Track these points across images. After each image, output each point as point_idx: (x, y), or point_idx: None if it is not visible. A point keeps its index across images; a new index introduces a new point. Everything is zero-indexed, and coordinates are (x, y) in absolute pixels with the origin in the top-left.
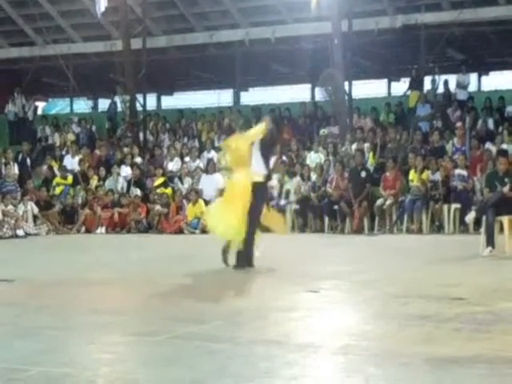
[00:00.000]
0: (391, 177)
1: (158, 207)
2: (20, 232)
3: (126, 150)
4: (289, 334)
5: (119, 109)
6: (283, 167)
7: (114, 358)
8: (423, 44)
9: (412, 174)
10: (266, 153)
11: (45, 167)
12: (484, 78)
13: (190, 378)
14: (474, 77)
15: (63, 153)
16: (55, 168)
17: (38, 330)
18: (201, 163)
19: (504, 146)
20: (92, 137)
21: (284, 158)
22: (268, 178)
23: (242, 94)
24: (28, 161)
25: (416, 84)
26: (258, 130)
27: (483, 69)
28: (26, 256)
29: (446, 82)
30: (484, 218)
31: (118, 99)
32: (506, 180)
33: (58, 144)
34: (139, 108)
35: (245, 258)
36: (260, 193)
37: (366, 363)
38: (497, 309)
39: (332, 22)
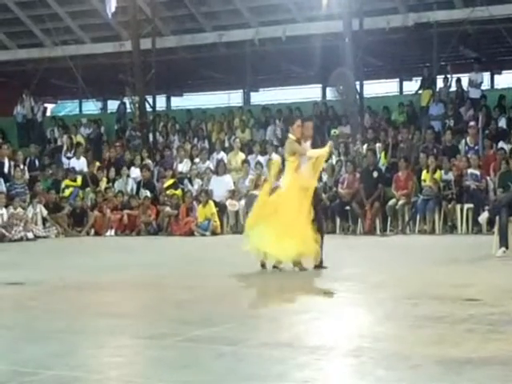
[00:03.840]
0: (403, 177)
1: (167, 209)
2: (29, 235)
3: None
4: (301, 337)
5: (128, 110)
6: None
7: (123, 362)
8: (435, 42)
9: (424, 174)
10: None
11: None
12: (497, 77)
13: (200, 381)
14: (486, 75)
15: (72, 154)
16: None
17: (48, 334)
18: (210, 164)
19: None
20: (101, 138)
21: None
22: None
23: (252, 94)
24: (37, 163)
25: (428, 83)
26: (322, 153)
27: (496, 67)
28: (35, 259)
29: (458, 81)
30: (497, 218)
31: (127, 100)
32: None
33: (66, 146)
34: (149, 109)
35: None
36: (317, 197)
37: (378, 365)
38: (511, 310)
39: (343, 21)
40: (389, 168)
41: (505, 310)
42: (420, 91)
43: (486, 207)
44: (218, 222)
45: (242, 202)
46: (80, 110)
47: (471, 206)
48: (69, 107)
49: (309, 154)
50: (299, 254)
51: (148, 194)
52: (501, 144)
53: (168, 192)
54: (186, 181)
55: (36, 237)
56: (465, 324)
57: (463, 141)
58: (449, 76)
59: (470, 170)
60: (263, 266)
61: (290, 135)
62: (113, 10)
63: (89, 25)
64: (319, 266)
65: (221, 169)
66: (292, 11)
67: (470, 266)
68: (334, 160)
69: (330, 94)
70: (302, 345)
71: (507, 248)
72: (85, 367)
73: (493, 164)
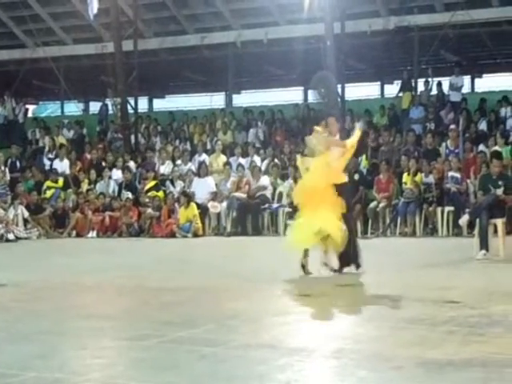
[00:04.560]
0: (384, 179)
1: (149, 211)
2: (10, 236)
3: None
4: (282, 338)
5: (110, 111)
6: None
7: (105, 363)
8: (416, 46)
9: (405, 177)
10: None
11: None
12: (477, 80)
13: (181, 383)
14: (467, 79)
15: (54, 156)
16: None
17: (30, 335)
18: (192, 166)
19: (497, 149)
20: (83, 140)
21: (276, 160)
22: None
23: (234, 96)
24: (18, 164)
25: (408, 86)
26: (355, 139)
27: (477, 71)
28: (17, 260)
29: (439, 84)
30: (478, 220)
31: (109, 102)
32: (500, 183)
33: (48, 147)
34: (130, 111)
35: (348, 258)
36: (348, 192)
37: (359, 367)
38: (491, 312)
39: (325, 24)
40: (370, 170)
41: (485, 313)
42: (400, 94)
43: (467, 210)
44: (200, 224)
45: (224, 203)
46: (62, 112)
47: (452, 208)
48: (50, 108)
49: (349, 144)
50: (321, 232)
51: (130, 195)
52: (481, 147)
53: (150, 194)
54: (167, 182)
55: (17, 238)
56: (446, 326)
57: (444, 144)
58: (429, 79)
59: (450, 173)
60: (303, 267)
61: (320, 129)
62: (95, 11)
63: (71, 26)
64: (340, 268)
65: (203, 171)
66: (274, 14)
67: (451, 269)
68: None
69: (312, 96)
70: (283, 346)
71: (487, 251)
72: (67, 369)
73: (473, 167)
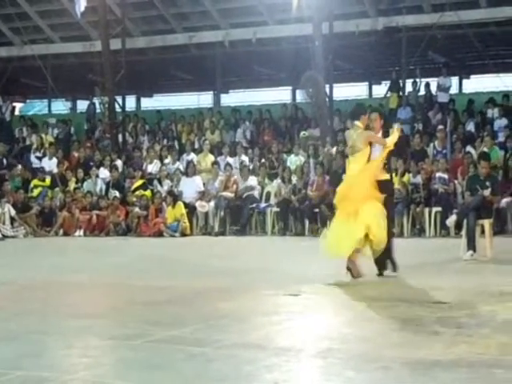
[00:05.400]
0: None
1: (136, 210)
2: None
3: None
4: (270, 338)
5: (98, 110)
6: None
7: (92, 362)
8: (404, 47)
9: (393, 177)
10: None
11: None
12: (465, 81)
13: (169, 382)
14: (455, 80)
15: (41, 154)
16: None
17: (17, 334)
18: (180, 165)
19: (484, 150)
20: (70, 138)
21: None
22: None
23: (222, 95)
24: (5, 162)
25: (396, 86)
26: (394, 139)
27: (464, 72)
28: (4, 259)
29: (427, 85)
30: (465, 221)
31: (96, 100)
32: (487, 183)
33: (35, 145)
34: (118, 109)
35: (385, 262)
36: (389, 190)
37: (346, 367)
38: (478, 312)
39: (313, 24)
40: None
41: (472, 313)
42: (388, 94)
43: (454, 210)
44: (188, 223)
45: (212, 203)
46: (49, 110)
47: (439, 209)
48: (38, 107)
49: (389, 143)
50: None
51: (117, 194)
52: (468, 148)
53: (137, 193)
54: (155, 182)
55: (4, 236)
56: (433, 327)
57: (431, 144)
58: (417, 80)
59: (438, 174)
60: (349, 269)
61: (359, 125)
62: (82, 9)
63: (58, 24)
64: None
65: (190, 170)
66: (262, 14)
67: (438, 269)
68: (303, 162)
69: (300, 96)
70: (271, 346)
71: (475, 251)
72: (54, 367)
73: (460, 168)
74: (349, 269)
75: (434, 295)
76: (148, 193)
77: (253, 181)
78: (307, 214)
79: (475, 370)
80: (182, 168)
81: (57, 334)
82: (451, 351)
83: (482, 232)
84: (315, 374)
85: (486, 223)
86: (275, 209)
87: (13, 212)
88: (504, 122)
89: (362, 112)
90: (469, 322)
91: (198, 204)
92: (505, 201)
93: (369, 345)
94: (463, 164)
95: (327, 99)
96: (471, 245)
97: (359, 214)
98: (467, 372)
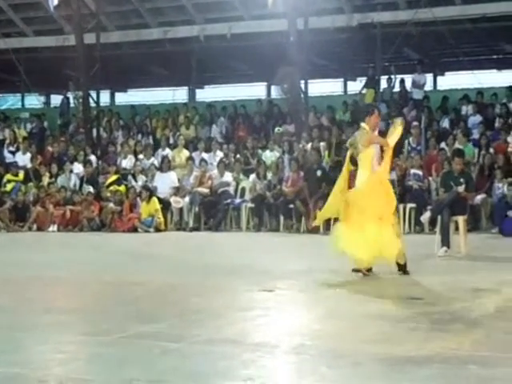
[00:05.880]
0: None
1: (111, 205)
2: None
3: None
4: (245, 334)
5: (72, 105)
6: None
7: (66, 358)
8: (379, 43)
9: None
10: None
11: None
12: (440, 78)
13: (144, 379)
14: (429, 76)
15: (14, 149)
16: None
17: None
18: (155, 161)
19: (458, 146)
20: (44, 133)
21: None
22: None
23: (197, 91)
24: None
25: (372, 83)
26: (396, 134)
27: (439, 68)
28: None
29: (402, 81)
30: (439, 217)
31: (70, 95)
32: (462, 180)
33: (8, 140)
34: (92, 104)
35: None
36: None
37: (319, 363)
38: (452, 309)
39: (288, 20)
40: (333, 167)
41: (446, 309)
42: (364, 91)
43: (429, 207)
44: (162, 219)
45: (187, 198)
46: (22, 104)
47: (414, 205)
48: (11, 101)
49: (391, 143)
50: (376, 256)
51: (91, 189)
52: (443, 145)
53: (111, 188)
54: (129, 177)
55: None
56: (407, 323)
57: (406, 141)
58: (392, 76)
59: (412, 170)
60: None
61: (364, 125)
62: (55, 2)
63: (32, 18)
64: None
65: (165, 165)
66: (238, 9)
67: (413, 266)
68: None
69: (275, 92)
70: (245, 342)
71: (449, 247)
72: (28, 364)
73: (435, 164)
74: (357, 270)
75: (408, 291)
76: (122, 188)
77: (228, 177)
78: (282, 210)
79: (448, 365)
80: (156, 163)
81: (30, 329)
82: (425, 347)
83: (456, 228)
84: (289, 370)
85: (460, 220)
86: (250, 204)
87: None
88: (478, 118)
89: (370, 111)
90: (443, 318)
91: (172, 199)
92: (479, 197)
93: (342, 341)
94: (437, 161)
95: (302, 95)
96: (445, 241)
97: (375, 231)
98: (440, 368)
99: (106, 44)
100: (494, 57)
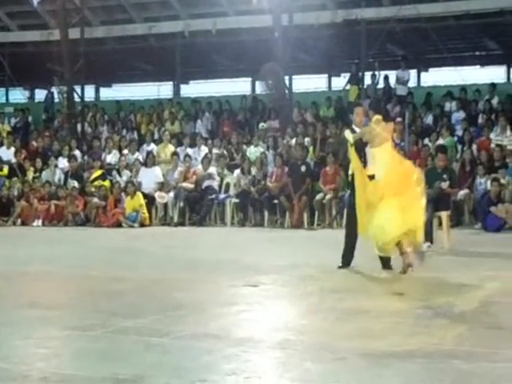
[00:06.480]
0: (331, 171)
1: (95, 200)
2: None
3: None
4: (228, 329)
5: (56, 99)
6: None
7: (49, 353)
8: (363, 39)
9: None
10: None
11: None
12: (424, 74)
13: (127, 373)
14: (413, 73)
15: None
16: None
17: None
18: (140, 156)
19: (441, 142)
20: (28, 128)
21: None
22: None
23: (182, 86)
24: None
25: (356, 79)
26: (390, 131)
27: (423, 65)
28: None
29: (386, 78)
30: None
31: (55, 90)
32: (445, 176)
33: None
34: (77, 99)
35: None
36: None
37: (304, 358)
38: (435, 304)
39: (272, 16)
40: (317, 162)
41: (429, 304)
42: (347, 87)
43: None
44: (147, 214)
45: (171, 194)
46: (6, 99)
47: None
48: None
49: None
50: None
51: (76, 184)
52: (426, 141)
53: (96, 183)
54: (114, 172)
55: None
56: (390, 318)
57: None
58: (376, 73)
59: None
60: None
61: (379, 117)
62: None
63: (16, 12)
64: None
65: (150, 161)
66: (223, 5)
67: (396, 261)
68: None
69: (260, 87)
70: (229, 337)
71: (432, 243)
72: (11, 359)
73: (418, 160)
74: (409, 265)
75: (391, 286)
76: (107, 183)
77: (212, 169)
78: (266, 205)
79: (431, 360)
80: (141, 158)
81: (14, 324)
82: (408, 342)
83: (440, 224)
84: (273, 365)
85: (444, 215)
86: (234, 200)
87: None
88: (461, 115)
89: (378, 108)
90: (426, 313)
91: (157, 195)
92: (462, 193)
93: (326, 336)
94: (421, 157)
95: (287, 91)
96: (429, 237)
97: (409, 204)
98: (423, 362)
99: (90, 39)
100: (478, 53)
